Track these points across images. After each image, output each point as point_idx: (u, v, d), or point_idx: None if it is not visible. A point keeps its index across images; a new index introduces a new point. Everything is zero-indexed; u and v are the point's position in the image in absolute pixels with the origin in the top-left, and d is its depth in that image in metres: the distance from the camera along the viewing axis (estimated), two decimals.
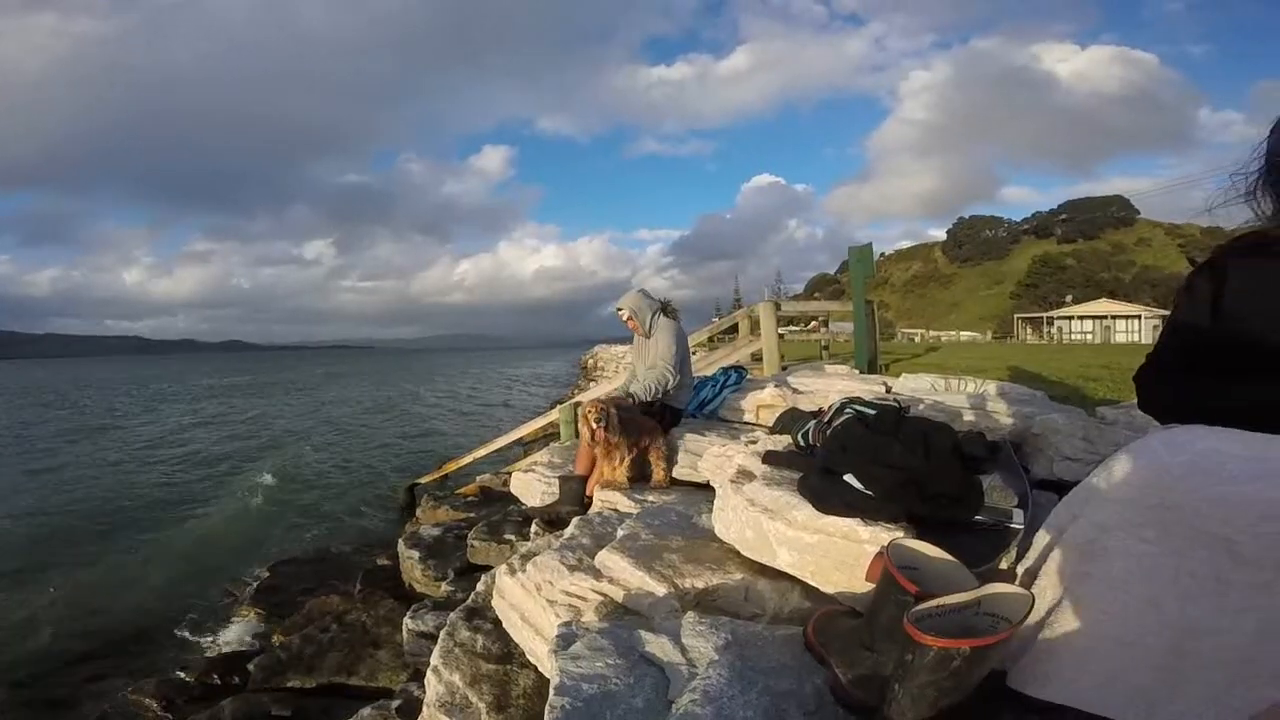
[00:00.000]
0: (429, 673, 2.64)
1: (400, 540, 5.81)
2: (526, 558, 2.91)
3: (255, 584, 6.80)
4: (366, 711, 3.15)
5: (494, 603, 2.87)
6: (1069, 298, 72.16)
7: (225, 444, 18.29)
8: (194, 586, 7.21)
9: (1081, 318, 56.50)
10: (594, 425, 4.05)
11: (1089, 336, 51.23)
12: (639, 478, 4.21)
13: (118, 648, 5.83)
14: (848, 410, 3.00)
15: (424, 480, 10.32)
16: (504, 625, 2.76)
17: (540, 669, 2.44)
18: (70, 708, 4.88)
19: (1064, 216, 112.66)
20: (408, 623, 3.77)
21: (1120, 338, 48.89)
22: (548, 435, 11.01)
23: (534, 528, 4.19)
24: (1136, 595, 1.34)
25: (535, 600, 2.57)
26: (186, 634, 6.07)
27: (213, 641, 5.87)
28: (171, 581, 7.43)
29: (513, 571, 2.81)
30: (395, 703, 3.07)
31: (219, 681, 4.80)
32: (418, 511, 8.25)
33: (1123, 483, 1.37)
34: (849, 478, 2.30)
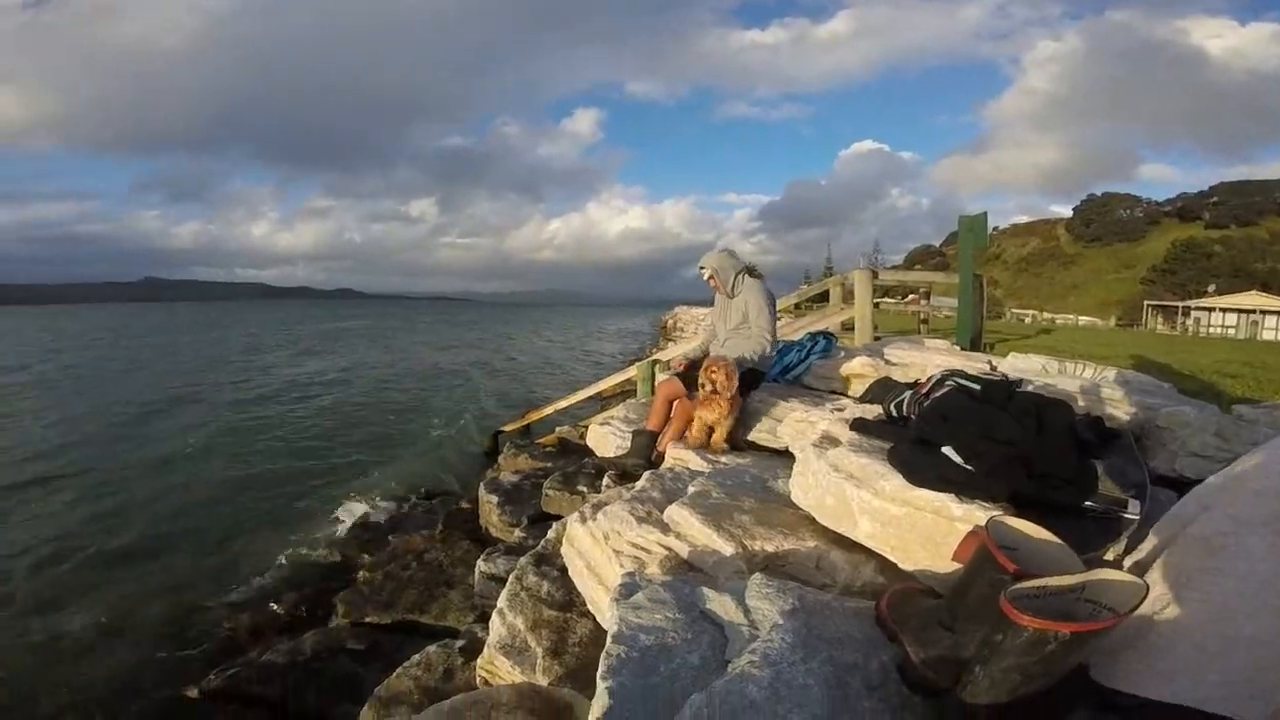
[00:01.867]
0: (494, 614, 2.75)
1: (481, 485, 6.09)
2: (597, 507, 2.96)
3: (351, 521, 7.32)
4: (432, 649, 3.28)
5: (563, 550, 2.94)
6: (1211, 287, 65.33)
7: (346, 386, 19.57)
8: (298, 516, 7.83)
9: (1225, 310, 51.07)
10: (721, 382, 3.99)
11: (1232, 331, 46.42)
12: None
13: (224, 576, 6.38)
14: (949, 382, 2.84)
15: (507, 428, 10.79)
16: (570, 573, 2.83)
17: (599, 619, 2.48)
18: (178, 630, 5.40)
19: (1214, 200, 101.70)
20: (480, 565, 3.99)
21: (1269, 334, 44.13)
22: (625, 391, 11.22)
23: (606, 480, 4.29)
24: (1277, 594, 1.23)
25: (602, 549, 2.61)
26: (289, 562, 6.60)
27: (306, 575, 6.33)
28: (277, 511, 8.12)
29: (583, 520, 2.86)
30: (460, 642, 3.20)
31: (304, 614, 5.26)
32: (499, 458, 8.61)
33: (1269, 476, 1.26)
34: (948, 450, 2.18)
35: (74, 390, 18.72)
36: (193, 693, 3.92)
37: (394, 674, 3.26)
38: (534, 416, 10.80)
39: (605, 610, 2.36)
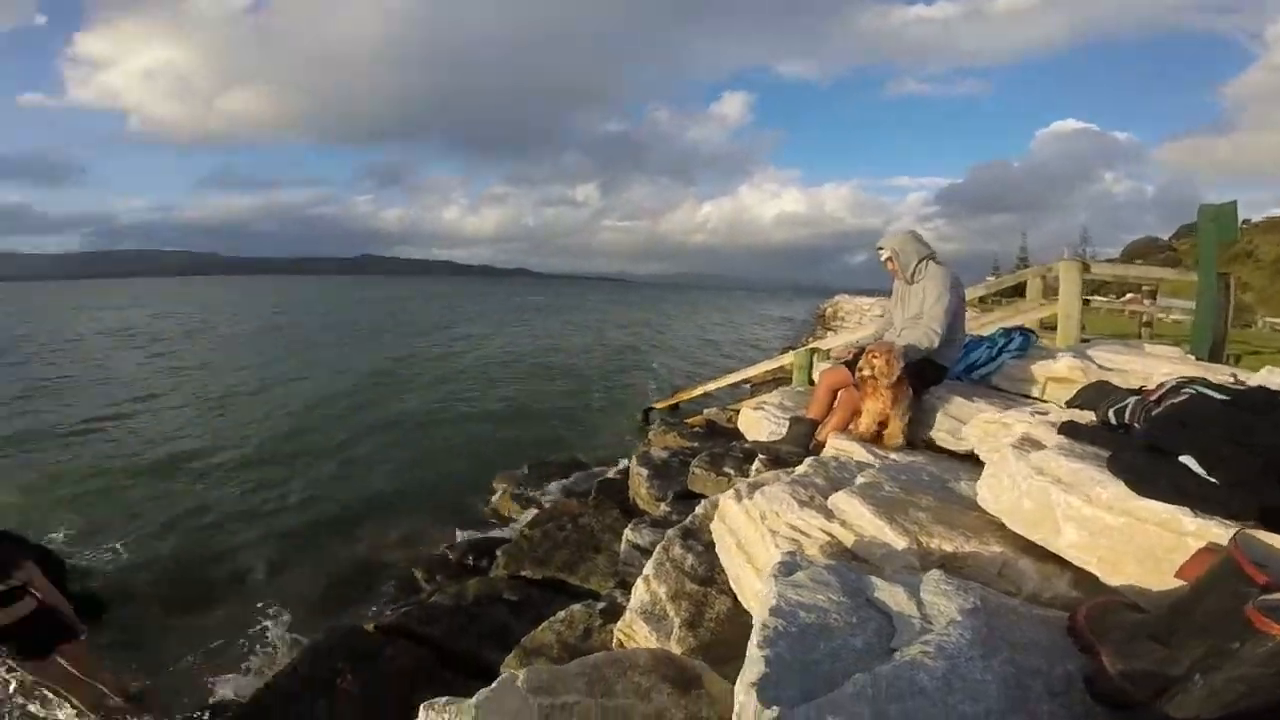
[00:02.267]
0: (639, 581, 2.82)
1: (633, 457, 6.27)
2: (755, 486, 2.90)
3: (514, 480, 7.80)
4: (576, 608, 3.43)
5: (712, 526, 2.92)
6: None
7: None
8: (481, 472, 8.45)
9: None
10: (880, 368, 3.75)
11: None
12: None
13: (412, 524, 7.06)
14: (1189, 389, 2.41)
15: (658, 405, 11.03)
16: (717, 549, 2.80)
17: (739, 597, 2.50)
18: (370, 570, 6.08)
19: None
20: (627, 534, 4.15)
21: None
22: (776, 379, 11.03)
23: (756, 464, 4.23)
24: None
25: (757, 528, 2.54)
26: (462, 513, 7.21)
27: (477, 527, 6.87)
28: (466, 468, 8.89)
29: (739, 497, 2.81)
30: (601, 605, 3.31)
31: (471, 562, 5.68)
32: (650, 434, 8.78)
33: None
34: (1187, 459, 1.89)
35: (287, 347, 22.04)
36: (370, 626, 4.33)
37: (539, 627, 3.42)
38: (683, 396, 10.94)
39: (749, 588, 2.35)
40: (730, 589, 2.59)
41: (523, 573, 4.81)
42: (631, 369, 18.39)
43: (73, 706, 3.77)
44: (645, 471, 5.78)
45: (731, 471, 4.72)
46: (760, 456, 4.31)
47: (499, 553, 5.26)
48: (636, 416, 11.25)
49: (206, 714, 3.68)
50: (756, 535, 2.52)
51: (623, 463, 7.53)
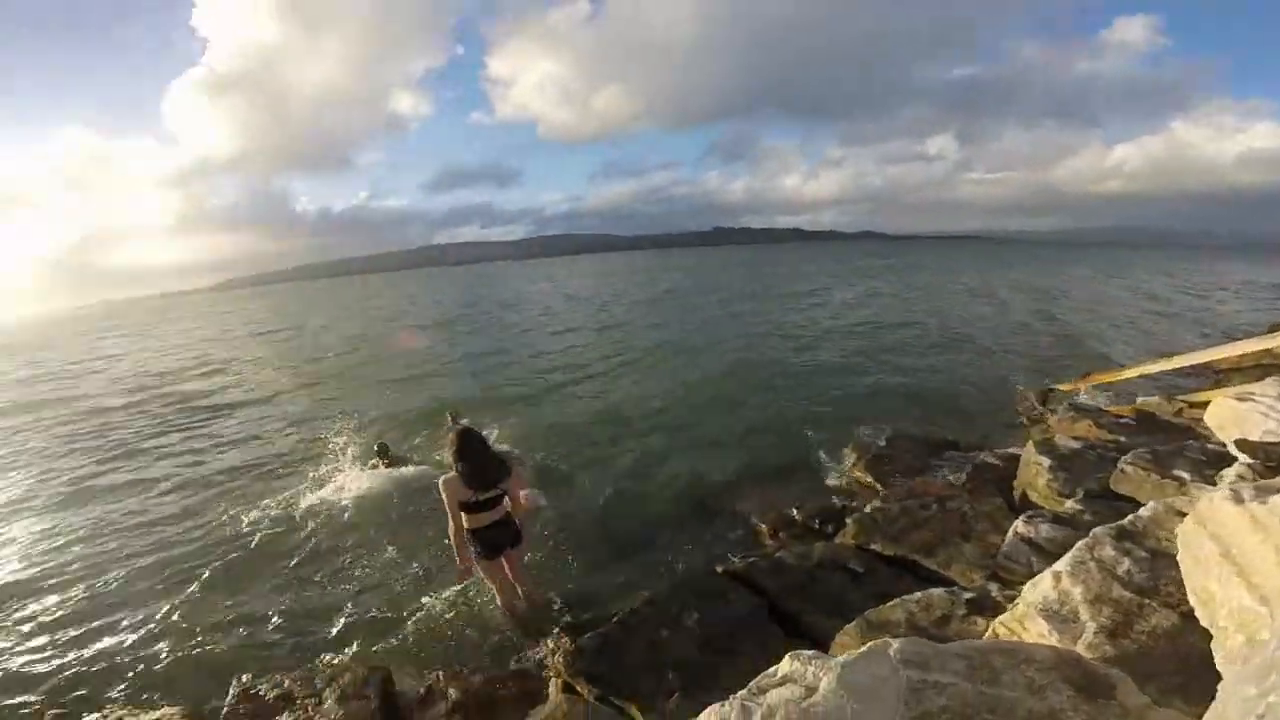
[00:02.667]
0: (1046, 576, 2.50)
1: (1030, 444, 5.33)
2: (1264, 490, 2.13)
3: (871, 450, 7.32)
4: (937, 592, 3.07)
5: (1181, 529, 2.30)
6: None
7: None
8: (830, 435, 8.32)
9: None
10: None
11: None
12: None
13: (761, 478, 7.17)
14: None
15: (1062, 387, 9.13)
16: (1180, 557, 2.23)
17: (1203, 617, 1.96)
18: (718, 516, 6.32)
19: None
20: (1019, 526, 3.65)
21: None
22: (1263, 365, 8.44)
23: (1236, 470, 3.23)
24: None
25: (1266, 539, 1.83)
26: (813, 476, 7.09)
27: (825, 491, 6.68)
28: (818, 429, 8.75)
29: (1238, 500, 2.07)
30: (967, 595, 2.90)
31: (818, 526, 5.49)
32: (1050, 419, 7.35)
33: None
34: None
35: (677, 311, 24.30)
36: (718, 568, 4.44)
37: (889, 603, 3.21)
38: (1102, 378, 8.72)
39: (1230, 606, 1.89)
40: (1178, 604, 2.19)
41: (872, 546, 4.44)
42: (1014, 342, 15.34)
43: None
44: (1047, 461, 4.94)
45: (1186, 475, 3.80)
46: (1245, 459, 3.29)
47: (849, 521, 4.95)
48: (1028, 397, 9.52)
49: (578, 628, 4.15)
50: (1265, 549, 1.83)
51: (1010, 449, 6.43)
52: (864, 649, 1.74)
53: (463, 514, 4.04)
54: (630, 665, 3.38)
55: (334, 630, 4.81)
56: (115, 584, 5.74)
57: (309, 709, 3.50)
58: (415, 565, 5.60)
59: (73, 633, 5.01)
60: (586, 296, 37.92)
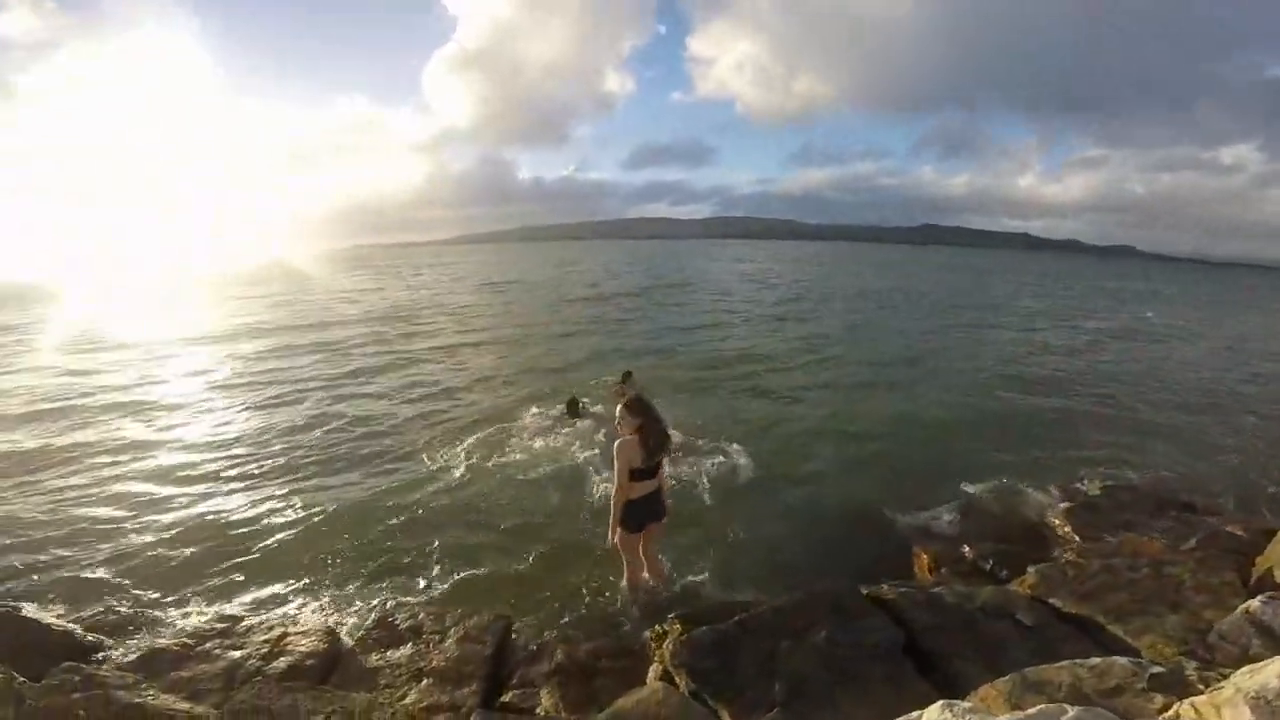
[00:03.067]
0: (1275, 663, 1.94)
1: None
2: None
3: (1080, 496, 6.37)
4: (1121, 660, 2.57)
5: None
6: None
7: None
8: (1026, 467, 7.36)
9: None
10: None
11: None
12: None
13: (935, 497, 6.51)
14: None
15: None
16: None
17: None
18: (874, 536, 5.85)
19: None
20: (1252, 605, 3.08)
21: None
22: None
23: None
24: None
25: None
26: (997, 514, 6.24)
27: (1004, 529, 5.83)
28: (1010, 459, 7.78)
29: None
30: (1155, 669, 2.34)
31: (989, 567, 4.86)
32: None
33: None
34: None
35: (866, 308, 22.71)
36: (863, 590, 4.07)
37: (1057, 663, 2.71)
38: None
39: None
40: None
41: (1052, 599, 3.78)
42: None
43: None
44: None
45: None
46: None
47: (1031, 569, 4.28)
48: None
49: (696, 619, 3.99)
50: None
51: (1263, 523, 5.19)
52: (1033, 711, 1.63)
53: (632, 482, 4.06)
54: (740, 669, 3.17)
55: (480, 573, 5.10)
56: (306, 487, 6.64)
57: (431, 644, 3.72)
58: (568, 525, 5.80)
59: (247, 529, 5.86)
60: (777, 283, 37.35)
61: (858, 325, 20.11)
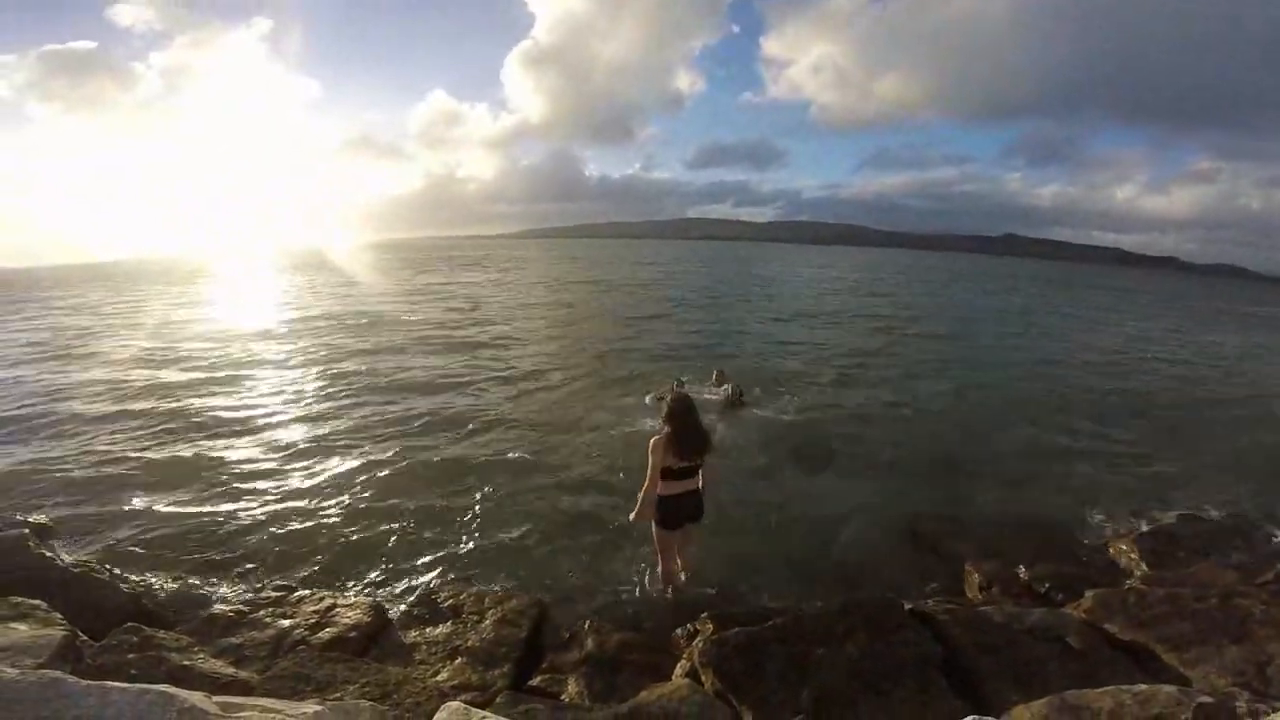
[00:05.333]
0: None
1: None
2: None
3: (1151, 525, 6.08)
4: (1168, 689, 2.51)
5: None
6: None
7: None
8: (1106, 498, 6.96)
9: None
10: None
11: None
12: None
13: (1000, 524, 6.17)
14: None
15: None
16: None
17: None
18: (923, 545, 5.69)
19: None
20: None
21: None
22: None
23: None
24: None
25: None
26: (1060, 537, 5.90)
27: (1069, 549, 5.61)
28: (1087, 481, 7.47)
29: None
30: (1202, 698, 2.25)
31: (1045, 591, 4.68)
32: None
33: None
34: None
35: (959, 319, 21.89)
36: (906, 605, 3.99)
37: (1100, 688, 2.62)
38: None
39: None
40: None
41: (1107, 625, 3.62)
42: None
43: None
44: None
45: None
46: None
47: (1089, 594, 4.10)
48: None
49: (729, 620, 3.98)
50: None
51: None
52: None
53: (662, 480, 4.11)
54: (768, 673, 3.15)
55: (525, 558, 5.23)
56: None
57: (469, 624, 3.84)
58: (615, 515, 5.86)
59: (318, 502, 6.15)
60: (850, 289, 36.52)
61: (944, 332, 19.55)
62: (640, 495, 4.13)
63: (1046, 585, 4.70)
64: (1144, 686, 2.46)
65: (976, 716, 2.02)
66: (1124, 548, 5.52)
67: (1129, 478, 7.62)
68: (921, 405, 10.62)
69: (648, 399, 9.70)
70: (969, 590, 4.90)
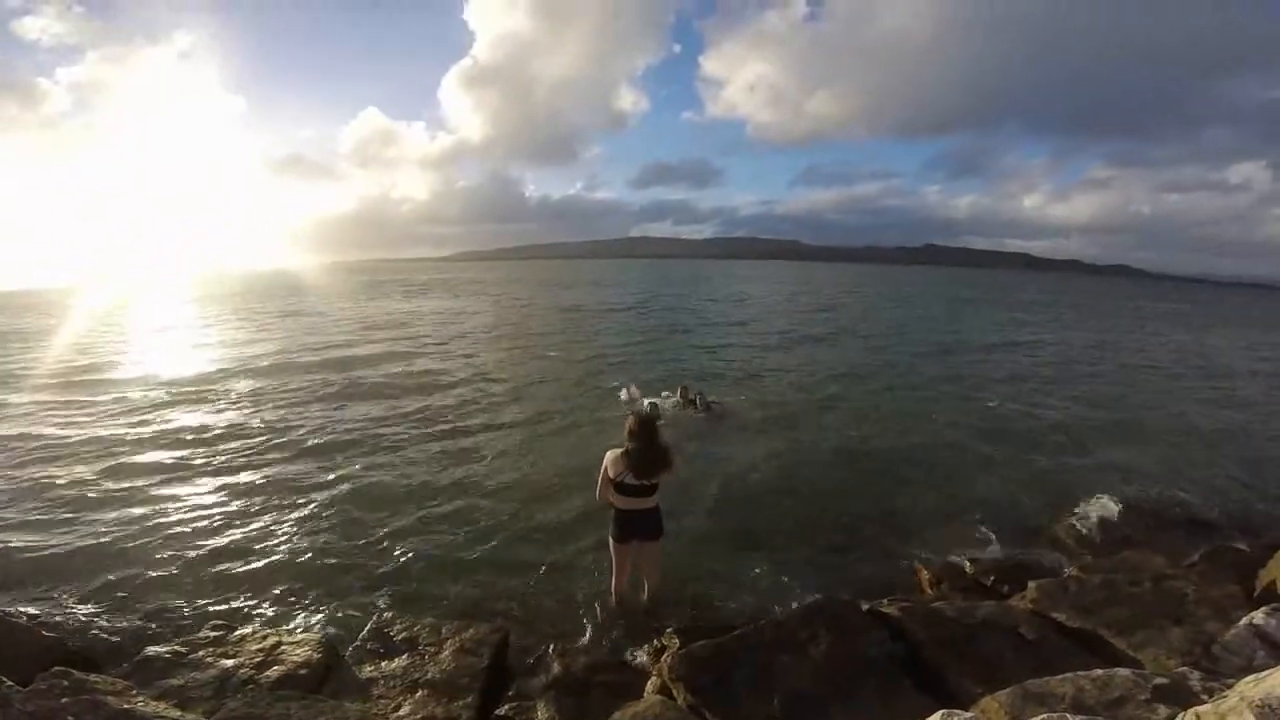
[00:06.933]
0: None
1: None
2: None
3: (1094, 515, 6.34)
4: (1123, 672, 2.58)
5: None
6: None
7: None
8: (1048, 488, 7.31)
9: None
10: None
11: None
12: None
13: (935, 520, 6.42)
14: None
15: None
16: None
17: None
18: (879, 549, 5.79)
19: None
20: (1256, 617, 3.13)
21: None
22: None
23: None
24: None
25: None
26: (1000, 531, 6.17)
27: (1013, 545, 5.83)
28: (1030, 477, 7.76)
29: None
30: (1158, 680, 2.35)
31: (990, 583, 4.83)
32: None
33: None
34: None
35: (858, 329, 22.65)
36: (863, 605, 4.07)
37: (1058, 676, 2.73)
38: None
39: None
40: None
41: (1054, 614, 3.79)
42: None
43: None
44: None
45: None
46: None
47: (1032, 584, 4.28)
48: None
49: (693, 633, 3.97)
50: None
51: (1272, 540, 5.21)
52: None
53: (615, 493, 4.13)
54: (737, 683, 3.15)
55: (480, 584, 5.08)
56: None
57: (427, 655, 3.69)
58: (572, 537, 5.79)
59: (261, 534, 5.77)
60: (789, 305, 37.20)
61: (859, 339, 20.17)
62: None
63: (991, 578, 4.87)
64: (1100, 671, 2.58)
65: (947, 711, 2.06)
66: (1059, 537, 5.83)
67: (1058, 468, 8.03)
68: (852, 414, 10.87)
69: (623, 393, 10.34)
70: (919, 588, 5.04)
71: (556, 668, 3.60)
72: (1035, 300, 47.37)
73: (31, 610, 4.46)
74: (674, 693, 3.12)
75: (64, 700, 2.65)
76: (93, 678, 2.96)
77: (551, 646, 3.85)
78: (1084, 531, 5.80)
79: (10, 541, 5.75)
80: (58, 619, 4.42)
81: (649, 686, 3.32)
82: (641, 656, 3.74)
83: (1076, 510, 6.54)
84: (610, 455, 4.11)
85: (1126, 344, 21.76)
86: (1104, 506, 6.46)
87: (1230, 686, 1.90)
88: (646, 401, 10.00)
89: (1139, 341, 22.76)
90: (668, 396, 10.56)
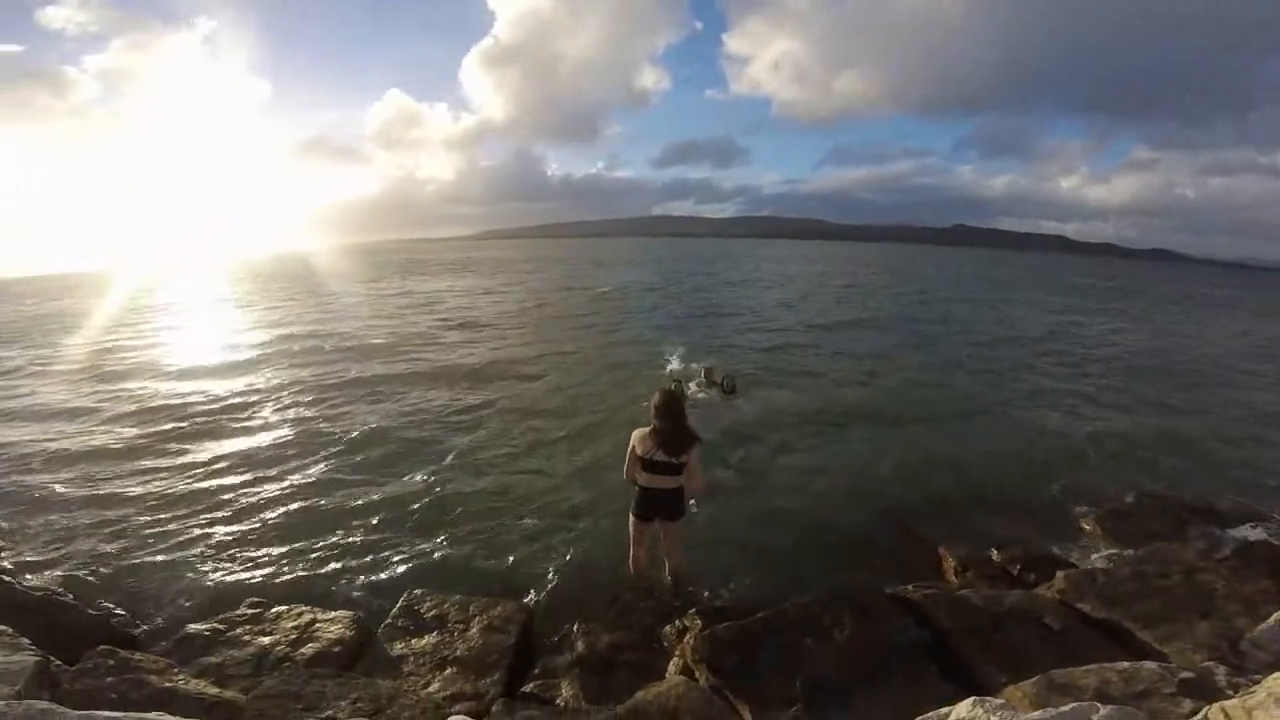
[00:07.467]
0: None
1: None
2: None
3: (1114, 505, 6.26)
4: (1149, 665, 2.60)
5: None
6: None
7: None
8: (1065, 481, 7.14)
9: None
10: None
11: None
12: None
13: (962, 503, 6.39)
14: None
15: None
16: None
17: None
18: (899, 539, 5.75)
19: None
20: None
21: None
22: None
23: None
24: None
25: None
26: (1027, 520, 6.11)
27: (1039, 533, 5.76)
28: (1066, 469, 7.55)
29: None
30: (1184, 674, 2.33)
31: (1017, 572, 4.80)
32: None
33: None
34: None
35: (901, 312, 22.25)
36: (887, 590, 4.08)
37: (1084, 667, 2.73)
38: None
39: None
40: None
41: (1080, 604, 3.77)
42: None
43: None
44: None
45: None
46: None
47: (1060, 574, 4.26)
48: None
49: (718, 614, 4.02)
50: None
51: None
52: (1066, 709, 1.64)
53: (641, 470, 4.18)
54: (761, 665, 3.20)
55: (508, 562, 5.19)
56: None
57: (455, 633, 3.78)
58: (598, 515, 5.89)
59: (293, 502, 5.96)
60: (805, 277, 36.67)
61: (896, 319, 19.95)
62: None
63: (1018, 567, 4.84)
64: (1126, 664, 2.58)
65: (978, 698, 2.08)
66: (1088, 528, 5.75)
67: (1091, 457, 7.91)
68: (883, 389, 10.84)
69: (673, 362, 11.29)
70: (944, 575, 5.03)
71: (581, 646, 3.68)
72: (1078, 285, 45.97)
73: (75, 588, 4.63)
74: (696, 674, 3.17)
75: (109, 679, 2.78)
76: (136, 656, 3.10)
77: (576, 625, 3.92)
78: (1115, 523, 5.71)
79: (56, 521, 6.00)
80: (105, 598, 4.59)
81: (671, 666, 3.38)
82: (665, 637, 3.78)
83: (1109, 499, 6.42)
84: (638, 434, 4.16)
85: (1175, 332, 21.16)
86: (1136, 497, 6.36)
87: (1257, 683, 1.89)
88: (673, 380, 10.10)
89: (1196, 330, 22.08)
90: (701, 371, 10.94)
